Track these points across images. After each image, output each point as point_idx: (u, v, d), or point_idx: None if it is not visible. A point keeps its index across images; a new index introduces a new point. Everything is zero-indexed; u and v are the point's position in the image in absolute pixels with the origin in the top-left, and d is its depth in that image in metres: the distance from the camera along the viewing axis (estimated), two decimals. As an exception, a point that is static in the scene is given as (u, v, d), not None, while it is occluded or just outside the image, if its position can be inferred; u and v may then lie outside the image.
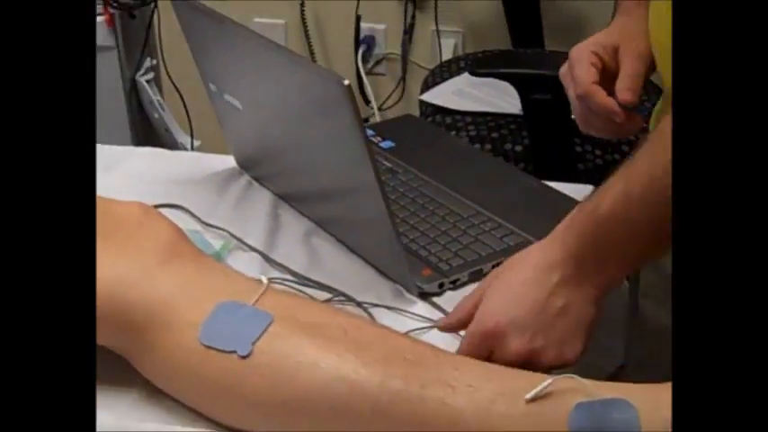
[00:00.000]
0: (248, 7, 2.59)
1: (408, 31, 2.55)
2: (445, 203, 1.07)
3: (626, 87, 1.01)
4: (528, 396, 0.68)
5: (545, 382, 0.69)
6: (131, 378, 0.81)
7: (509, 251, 0.98)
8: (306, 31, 2.62)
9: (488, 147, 1.71)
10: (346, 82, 0.84)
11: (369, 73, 2.59)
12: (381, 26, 2.60)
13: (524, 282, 0.83)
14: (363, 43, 2.57)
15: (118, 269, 0.81)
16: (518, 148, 1.70)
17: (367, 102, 2.58)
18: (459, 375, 0.72)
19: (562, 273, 0.83)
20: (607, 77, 1.03)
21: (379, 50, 2.62)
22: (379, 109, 2.60)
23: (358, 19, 2.53)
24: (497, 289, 0.85)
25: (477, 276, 0.97)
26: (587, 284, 0.83)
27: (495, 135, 1.73)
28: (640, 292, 1.20)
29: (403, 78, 2.60)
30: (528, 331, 0.82)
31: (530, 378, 0.72)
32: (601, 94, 1.01)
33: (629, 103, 0.99)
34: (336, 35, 2.62)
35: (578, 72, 1.02)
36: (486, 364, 0.81)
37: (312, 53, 2.63)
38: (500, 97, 1.77)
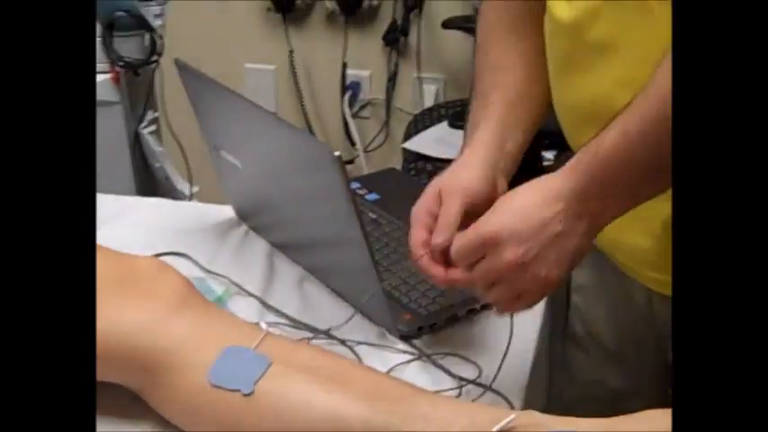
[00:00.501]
0: (240, 53, 2.68)
1: (392, 78, 2.60)
2: None
3: (438, 232, 0.98)
4: (494, 429, 0.80)
5: (509, 416, 0.81)
6: (145, 413, 0.92)
7: (475, 300, 1.09)
8: (295, 77, 2.67)
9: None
10: (337, 153, 0.95)
11: (354, 117, 2.64)
12: (366, 73, 2.64)
13: (531, 203, 0.89)
14: (349, 89, 2.62)
15: (135, 316, 0.92)
16: (493, 194, 1.81)
17: (352, 144, 2.64)
18: (434, 411, 0.83)
19: (566, 203, 0.88)
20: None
21: (364, 96, 2.66)
22: (365, 151, 2.65)
23: (344, 66, 2.59)
24: (504, 204, 0.92)
25: (452, 321, 1.08)
26: (587, 217, 0.89)
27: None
28: (567, 337, 1.28)
29: (386, 122, 2.65)
30: (524, 244, 0.88)
31: (496, 413, 0.83)
32: (423, 261, 0.98)
33: (439, 246, 0.97)
34: (324, 81, 2.67)
35: (411, 233, 1.01)
36: (457, 401, 0.93)
37: (301, 98, 2.69)
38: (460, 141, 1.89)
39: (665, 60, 0.85)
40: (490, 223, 0.91)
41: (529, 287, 0.91)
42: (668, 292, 0.97)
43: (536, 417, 0.81)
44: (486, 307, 1.09)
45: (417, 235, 0.99)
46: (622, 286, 1.15)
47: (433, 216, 0.99)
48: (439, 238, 0.96)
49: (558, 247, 0.89)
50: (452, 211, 0.98)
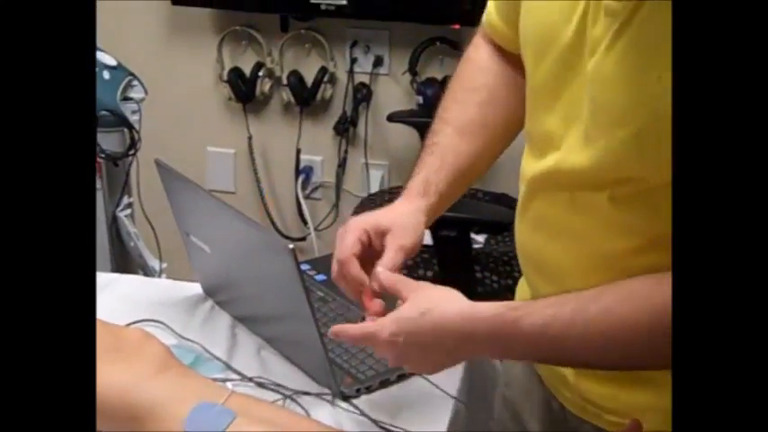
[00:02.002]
0: (202, 137, 2.77)
1: (342, 164, 2.68)
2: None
3: (383, 264, 1.05)
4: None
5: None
6: None
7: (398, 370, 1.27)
8: (252, 161, 2.75)
9: (404, 271, 1.99)
10: (291, 246, 1.15)
11: (307, 198, 2.74)
12: (318, 158, 2.73)
13: (425, 327, 0.95)
14: (303, 172, 2.72)
15: (125, 376, 1.09)
16: (429, 273, 1.98)
17: (305, 223, 2.73)
18: None
19: (455, 343, 0.94)
20: (371, 254, 1.07)
21: (316, 179, 2.75)
22: (315, 230, 2.74)
23: (298, 151, 2.70)
24: (430, 294, 0.98)
25: (385, 384, 1.25)
26: (460, 354, 0.97)
27: (409, 262, 2.01)
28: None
29: (336, 204, 2.73)
30: (402, 334, 0.95)
31: None
32: (354, 266, 1.05)
33: (377, 290, 1.04)
34: (279, 164, 2.76)
35: (345, 241, 1.06)
36: None
37: (258, 179, 2.76)
38: None
39: (617, 284, 0.88)
40: (387, 323, 0.98)
41: (408, 363, 1.00)
42: (581, 414, 1.06)
43: None
44: (413, 373, 1.29)
45: (351, 246, 1.05)
46: (545, 395, 1.16)
47: (362, 246, 1.06)
48: (383, 276, 1.03)
49: (424, 354, 0.96)
50: (397, 252, 1.05)
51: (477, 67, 1.17)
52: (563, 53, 0.94)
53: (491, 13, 1.16)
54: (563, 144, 0.96)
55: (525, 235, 1.08)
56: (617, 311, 0.87)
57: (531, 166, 1.03)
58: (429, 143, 1.15)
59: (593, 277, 0.93)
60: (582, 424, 1.07)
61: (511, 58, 1.15)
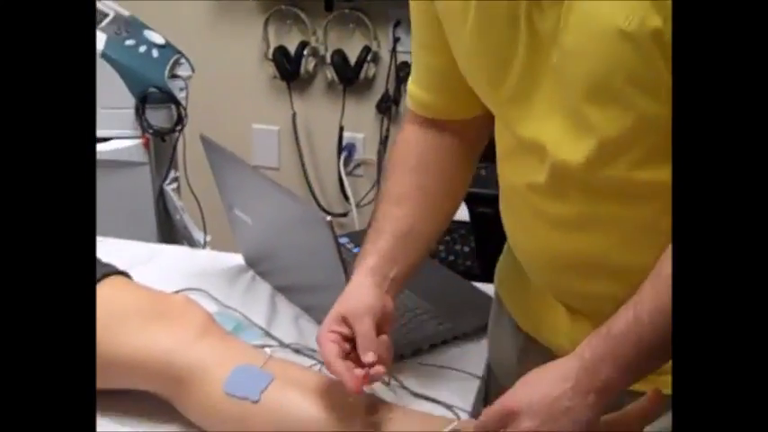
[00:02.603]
0: (247, 114, 2.81)
1: (384, 141, 2.69)
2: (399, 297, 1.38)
3: (364, 348, 1.06)
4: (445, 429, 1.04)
5: (453, 423, 1.06)
6: (173, 416, 1.16)
7: (440, 335, 1.33)
8: (296, 138, 2.78)
9: (442, 247, 2.05)
10: (329, 218, 1.21)
11: (349, 175, 2.76)
12: (361, 135, 2.74)
13: (545, 383, 0.96)
14: (345, 150, 2.75)
15: (168, 340, 1.16)
16: (466, 248, 2.03)
17: (347, 199, 2.77)
18: (395, 417, 1.09)
19: (575, 381, 0.94)
20: (354, 342, 1.08)
21: (358, 156, 2.76)
22: (357, 206, 2.77)
23: (341, 129, 2.72)
24: (523, 384, 0.98)
25: (417, 352, 1.30)
26: (594, 392, 0.94)
27: (447, 238, 2.06)
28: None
29: (378, 181, 2.73)
30: (538, 418, 0.94)
31: (444, 421, 1.08)
32: (340, 369, 1.05)
33: (372, 362, 1.05)
34: (322, 141, 2.79)
35: (324, 349, 1.07)
36: (414, 412, 1.16)
37: (301, 156, 2.80)
38: None
39: (669, 248, 0.91)
40: (511, 397, 0.97)
41: None
42: None
43: (473, 423, 1.06)
44: (445, 342, 1.34)
45: (330, 351, 1.06)
46: None
47: (338, 334, 1.08)
48: (370, 358, 1.05)
49: (567, 419, 0.94)
50: (367, 330, 1.07)
51: (405, 143, 1.19)
52: (523, 60, 0.98)
53: (413, 91, 1.18)
54: (550, 145, 1.00)
55: (541, 236, 1.09)
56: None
57: (533, 172, 1.05)
58: (370, 223, 1.19)
59: (631, 250, 1.01)
60: None
61: (444, 128, 1.17)
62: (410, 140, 1.19)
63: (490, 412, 0.98)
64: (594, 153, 0.97)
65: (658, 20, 0.86)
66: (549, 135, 1.00)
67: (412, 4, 1.12)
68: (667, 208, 0.90)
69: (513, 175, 1.10)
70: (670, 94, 0.83)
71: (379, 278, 1.12)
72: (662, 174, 0.92)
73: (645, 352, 0.93)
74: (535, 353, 1.17)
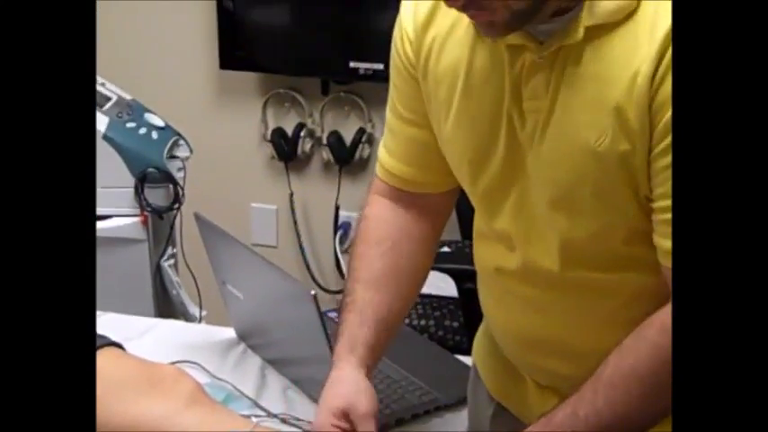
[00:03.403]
0: (246, 194, 2.87)
1: None
2: (381, 369, 1.41)
3: None
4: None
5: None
6: None
7: (423, 405, 1.37)
8: (294, 216, 2.83)
9: (432, 322, 2.09)
10: (313, 293, 1.26)
11: (344, 252, 2.78)
12: (356, 214, 2.54)
13: None
14: (341, 228, 2.80)
15: (160, 409, 1.19)
16: (455, 324, 2.07)
17: (342, 276, 2.77)
18: None
19: None
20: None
21: (354, 234, 2.78)
22: None
23: (337, 208, 2.78)
24: None
25: (401, 422, 1.35)
26: None
27: (437, 313, 2.11)
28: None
29: None
30: None
31: None
32: None
33: None
34: (319, 220, 2.84)
35: None
36: None
37: (298, 234, 2.85)
38: (443, 282, 2.09)
39: (610, 357, 0.98)
40: None
41: None
42: None
43: None
44: (428, 412, 1.38)
45: None
46: None
47: (340, 429, 1.09)
48: None
49: None
50: (362, 423, 1.09)
51: (376, 221, 1.22)
52: (501, 159, 1.03)
53: (385, 162, 1.20)
54: (518, 243, 1.07)
55: (511, 315, 1.15)
56: (623, 366, 0.98)
57: (504, 258, 1.10)
58: (345, 303, 1.20)
59: (592, 337, 1.06)
60: None
61: (410, 204, 1.20)
62: (381, 219, 1.22)
63: None
64: (559, 255, 1.03)
65: (626, 144, 0.92)
66: (518, 234, 1.07)
67: (395, 78, 1.14)
68: (632, 300, 1.01)
69: (486, 256, 1.16)
70: (630, 211, 0.92)
71: (367, 370, 1.14)
72: (626, 274, 1.02)
73: None
74: (506, 420, 1.22)
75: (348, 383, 1.13)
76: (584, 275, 1.04)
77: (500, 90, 1.00)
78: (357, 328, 1.16)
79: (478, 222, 1.16)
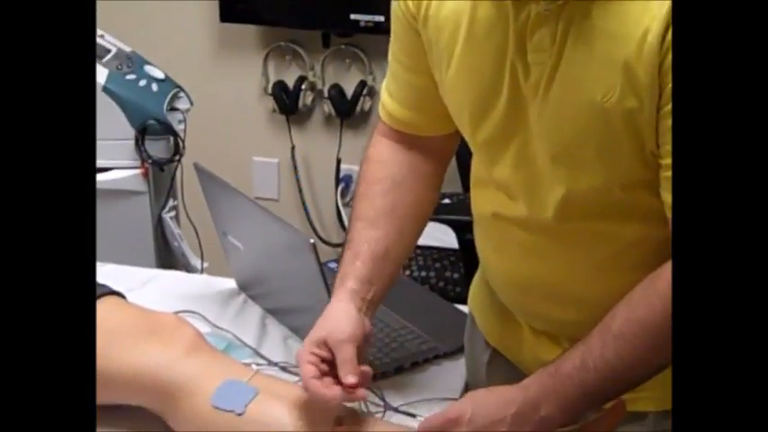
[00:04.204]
0: (248, 147, 2.88)
1: None
2: (381, 318, 1.43)
3: (346, 373, 1.07)
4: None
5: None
6: (164, 430, 1.20)
7: (422, 354, 1.38)
8: (295, 170, 2.85)
9: (432, 273, 2.09)
10: (311, 241, 1.27)
11: (346, 205, 2.80)
12: (357, 167, 2.65)
13: (490, 403, 1.00)
14: (342, 181, 2.81)
15: (160, 356, 1.21)
16: (456, 275, 2.08)
17: (344, 228, 2.77)
18: (366, 428, 1.13)
19: (516, 410, 0.98)
20: (333, 365, 1.09)
21: (355, 187, 2.82)
22: None
23: (339, 161, 2.79)
24: (471, 398, 1.03)
25: (399, 370, 1.36)
26: (531, 425, 0.98)
27: (438, 265, 2.12)
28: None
29: None
30: (477, 429, 0.99)
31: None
32: (315, 388, 1.08)
33: (354, 386, 1.06)
34: (321, 173, 2.85)
35: (302, 370, 1.09)
36: (392, 424, 1.20)
37: (300, 187, 2.86)
38: (444, 234, 2.14)
39: (619, 308, 0.97)
40: (457, 407, 1.02)
41: None
42: None
43: None
44: (427, 360, 1.39)
45: (308, 371, 1.09)
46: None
47: (317, 357, 1.10)
48: (351, 380, 1.07)
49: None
50: (349, 358, 1.08)
51: (377, 161, 1.23)
52: (503, 110, 1.03)
53: (387, 104, 1.21)
54: (518, 193, 1.07)
55: (509, 260, 1.15)
56: (633, 318, 0.97)
57: (503, 205, 1.11)
58: (345, 241, 1.21)
59: (590, 282, 1.07)
60: None
61: (413, 145, 1.21)
62: (383, 160, 1.22)
63: (433, 417, 1.02)
64: (559, 206, 1.04)
65: (634, 101, 0.92)
66: (517, 184, 1.07)
67: (395, 26, 1.15)
68: (630, 247, 1.01)
69: (484, 203, 1.16)
70: (633, 165, 0.91)
71: (359, 302, 1.14)
72: (627, 223, 1.02)
73: (586, 395, 0.98)
74: (502, 367, 1.23)
75: (331, 315, 1.13)
76: (583, 225, 1.05)
77: (504, 40, 1.00)
78: (350, 263, 1.17)
79: (478, 169, 1.16)
